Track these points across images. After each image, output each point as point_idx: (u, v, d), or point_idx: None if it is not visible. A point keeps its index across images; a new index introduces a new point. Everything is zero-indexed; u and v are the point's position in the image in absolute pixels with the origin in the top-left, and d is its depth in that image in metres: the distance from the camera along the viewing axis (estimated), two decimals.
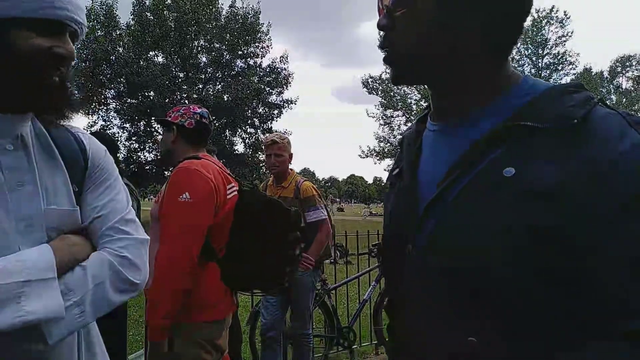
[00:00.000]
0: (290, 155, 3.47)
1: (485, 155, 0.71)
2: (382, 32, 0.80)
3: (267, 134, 4.00)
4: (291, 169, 3.58)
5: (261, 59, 22.36)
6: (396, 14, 0.76)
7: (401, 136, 0.98)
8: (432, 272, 0.74)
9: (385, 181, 1.01)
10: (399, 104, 30.44)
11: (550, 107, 0.69)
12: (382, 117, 31.49)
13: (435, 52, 0.76)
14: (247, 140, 22.35)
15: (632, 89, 31.79)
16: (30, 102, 0.96)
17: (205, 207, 1.90)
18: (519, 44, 29.34)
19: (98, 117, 21.79)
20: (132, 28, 21.07)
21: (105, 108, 21.59)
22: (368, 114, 32.23)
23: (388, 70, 0.83)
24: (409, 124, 0.95)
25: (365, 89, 31.60)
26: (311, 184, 3.52)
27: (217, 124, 22.01)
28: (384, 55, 0.80)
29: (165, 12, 21.11)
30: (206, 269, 1.90)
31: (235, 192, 2.07)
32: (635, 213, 0.59)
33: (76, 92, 1.02)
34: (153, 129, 20.93)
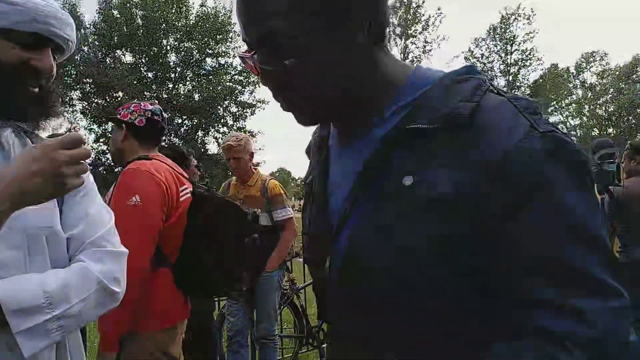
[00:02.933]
0: (251, 154, 3.41)
1: (385, 163, 0.68)
2: (269, 85, 0.72)
3: (226, 136, 3.93)
4: (255, 168, 3.53)
5: (232, 58, 22.10)
6: (286, 65, 0.67)
7: (308, 144, 0.94)
8: (349, 290, 0.72)
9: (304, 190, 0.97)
10: None
11: (439, 103, 0.66)
12: None
13: (342, 80, 0.70)
14: (219, 140, 22.07)
15: (597, 83, 32.73)
16: (6, 109, 1.00)
17: (156, 211, 1.82)
18: (489, 40, 30.02)
19: (64, 119, 21.16)
20: (98, 26, 20.52)
21: (71, 110, 20.99)
22: None
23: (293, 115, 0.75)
24: None
25: None
26: (278, 182, 3.47)
27: (188, 124, 21.68)
28: (284, 106, 0.74)
29: (133, 10, 20.63)
30: (157, 274, 1.83)
31: (189, 194, 2.00)
32: (532, 206, 0.58)
33: (58, 104, 1.07)
34: None
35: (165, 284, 1.86)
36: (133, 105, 2.09)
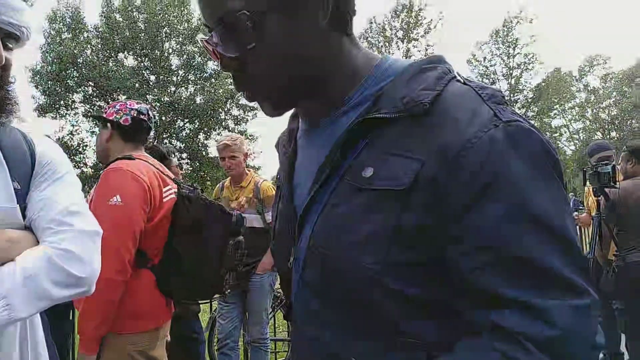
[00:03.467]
0: (246, 155, 3.39)
1: (346, 154, 0.67)
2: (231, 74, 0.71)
3: (220, 136, 3.91)
4: (249, 169, 3.52)
5: None
6: (246, 49, 0.66)
7: (277, 139, 0.92)
8: (310, 286, 0.70)
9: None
10: None
11: (402, 92, 0.64)
12: None
13: (305, 65, 0.69)
14: None
15: (600, 87, 32.61)
16: None
17: (137, 211, 1.79)
18: (491, 43, 30.00)
19: (66, 122, 21.25)
20: (101, 30, 20.60)
21: (73, 112, 21.06)
22: None
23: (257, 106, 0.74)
24: None
25: None
26: (271, 184, 3.45)
27: (190, 127, 21.71)
28: (247, 95, 0.72)
29: (134, 14, 20.72)
30: (138, 276, 1.80)
31: (173, 195, 1.97)
32: (491, 197, 0.56)
33: (13, 97, 1.01)
34: None
35: (147, 286, 1.83)
36: (119, 104, 2.07)
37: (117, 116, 2.01)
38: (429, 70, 0.66)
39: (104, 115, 2.04)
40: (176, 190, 2.00)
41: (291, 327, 0.78)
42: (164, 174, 2.04)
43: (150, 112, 2.13)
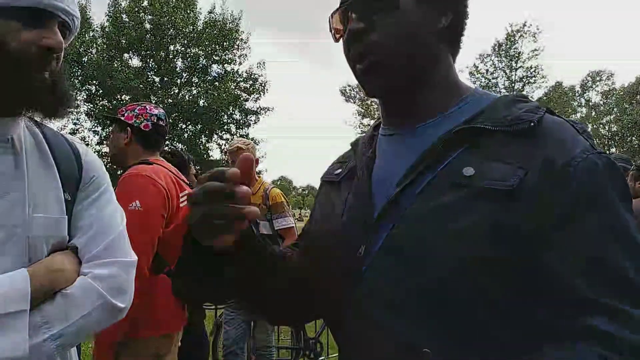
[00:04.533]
0: (257, 160, 3.39)
1: (444, 156, 0.72)
2: (353, 42, 0.77)
3: (232, 140, 3.93)
4: (258, 175, 3.52)
5: (239, 65, 22.20)
6: (374, 16, 0.74)
7: (356, 138, 0.95)
8: (386, 277, 0.71)
9: (321, 180, 0.96)
10: (377, 112, 30.63)
11: (504, 112, 0.72)
12: (359, 126, 31.74)
13: (420, 53, 0.76)
14: (223, 146, 22.08)
15: (601, 102, 32.76)
16: (19, 102, 0.90)
17: (156, 217, 1.80)
18: (494, 56, 30.04)
19: (68, 120, 21.21)
20: (107, 30, 20.65)
21: (76, 111, 21.03)
22: (346, 123, 32.48)
23: (366, 83, 0.79)
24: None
25: (342, 97, 31.95)
26: (280, 191, 3.45)
27: (192, 130, 21.73)
28: (363, 67, 0.77)
29: (141, 15, 20.77)
30: (156, 281, 1.80)
31: None
32: (589, 212, 0.62)
33: (69, 89, 0.98)
34: None
35: (164, 291, 1.83)
36: (138, 108, 2.07)
37: (137, 121, 2.02)
38: (522, 102, 0.74)
39: (122, 119, 2.05)
40: None
41: (355, 315, 0.75)
42: (180, 179, 2.04)
43: (167, 118, 2.14)
